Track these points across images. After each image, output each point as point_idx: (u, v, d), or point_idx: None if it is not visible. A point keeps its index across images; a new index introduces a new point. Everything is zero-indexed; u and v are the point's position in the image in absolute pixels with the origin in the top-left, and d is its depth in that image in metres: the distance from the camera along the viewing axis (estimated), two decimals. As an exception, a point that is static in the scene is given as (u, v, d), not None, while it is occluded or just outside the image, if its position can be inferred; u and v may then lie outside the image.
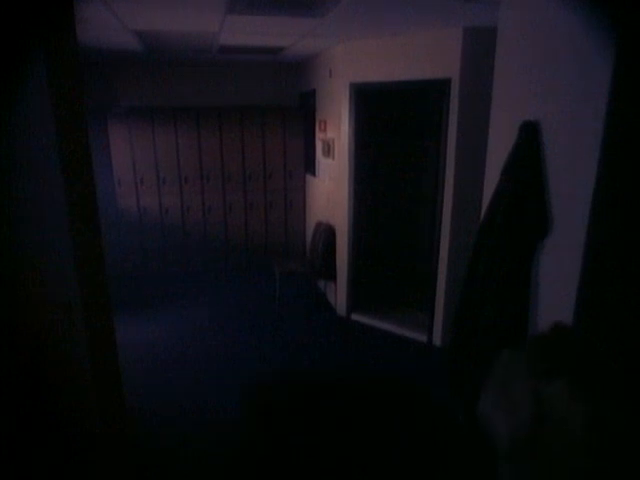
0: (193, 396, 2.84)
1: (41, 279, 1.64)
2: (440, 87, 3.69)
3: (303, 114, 5.92)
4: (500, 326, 1.29)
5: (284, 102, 6.12)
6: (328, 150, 4.95)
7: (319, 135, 5.28)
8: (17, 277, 1.43)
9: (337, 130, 4.64)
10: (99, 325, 2.09)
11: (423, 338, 4.31)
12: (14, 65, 1.46)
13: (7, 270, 1.34)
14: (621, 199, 0.95)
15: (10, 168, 1.41)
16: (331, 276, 4.93)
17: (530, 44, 1.33)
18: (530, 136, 1.22)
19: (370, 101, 4.37)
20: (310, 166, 5.79)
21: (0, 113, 1.37)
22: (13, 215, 1.43)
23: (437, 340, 4.23)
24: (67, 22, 1.83)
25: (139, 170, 5.65)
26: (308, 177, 6.04)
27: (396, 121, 4.70)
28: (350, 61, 4.31)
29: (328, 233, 4.89)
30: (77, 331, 1.97)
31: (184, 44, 4.25)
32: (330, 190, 5.01)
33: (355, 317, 4.78)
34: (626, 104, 0.90)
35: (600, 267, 0.99)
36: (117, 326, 2.25)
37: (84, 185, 1.95)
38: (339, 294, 4.90)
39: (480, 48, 3.38)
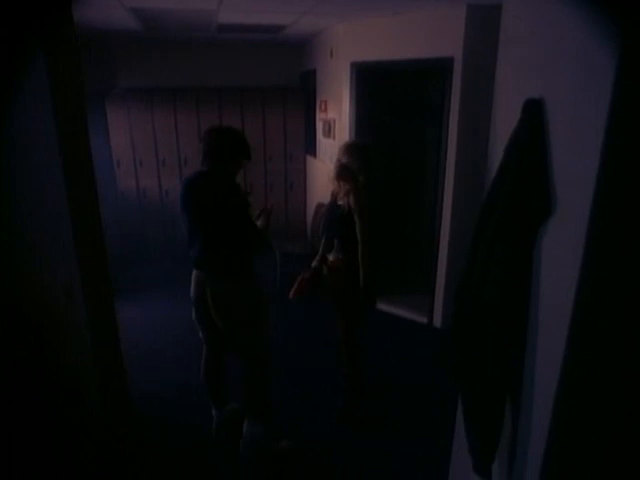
0: (196, 379, 2.87)
1: (41, 263, 1.64)
2: (442, 66, 3.63)
3: (304, 94, 5.85)
4: (501, 308, 1.28)
5: (284, 82, 6.03)
6: (329, 130, 4.90)
7: (320, 115, 5.22)
8: (16, 261, 1.42)
9: (338, 110, 4.59)
10: (100, 309, 2.10)
11: (423, 319, 4.33)
12: (11, 52, 1.43)
13: (6, 254, 1.34)
14: (626, 180, 0.94)
15: (9, 152, 1.39)
16: (332, 258, 4.90)
17: (535, 20, 1.30)
18: (534, 114, 1.19)
19: (371, 81, 4.31)
20: (311, 147, 5.74)
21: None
22: (12, 198, 1.41)
23: (437, 322, 4.24)
24: (63, 4, 1.79)
25: (138, 151, 5.60)
26: (309, 158, 5.99)
27: (398, 101, 4.64)
28: (351, 40, 4.23)
29: (329, 215, 4.86)
30: (78, 315, 1.97)
31: (182, 22, 4.17)
32: (331, 171, 4.97)
33: (356, 299, 4.78)
34: (632, 82, 0.88)
35: (603, 250, 0.98)
36: (118, 309, 2.25)
37: (83, 168, 1.93)
38: (340, 276, 4.88)
39: (483, 26, 3.31)
